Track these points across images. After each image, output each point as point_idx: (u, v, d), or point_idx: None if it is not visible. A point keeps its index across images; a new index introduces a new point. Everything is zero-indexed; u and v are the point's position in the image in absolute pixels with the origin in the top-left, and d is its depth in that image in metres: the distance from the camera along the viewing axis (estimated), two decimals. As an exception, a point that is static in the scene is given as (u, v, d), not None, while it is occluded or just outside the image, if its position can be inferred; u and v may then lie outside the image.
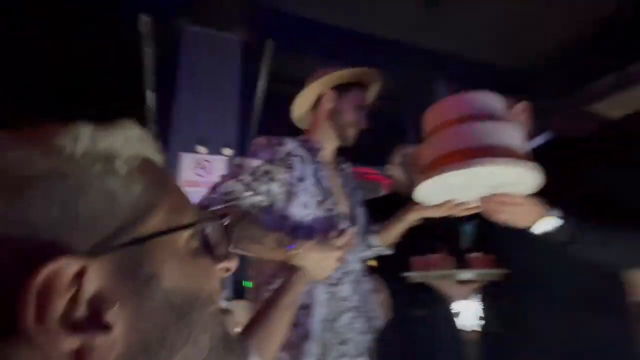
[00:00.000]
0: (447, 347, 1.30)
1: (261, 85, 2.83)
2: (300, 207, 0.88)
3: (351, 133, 1.01)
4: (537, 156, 0.90)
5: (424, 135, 0.81)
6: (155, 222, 0.24)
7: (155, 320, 0.23)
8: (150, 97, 2.40)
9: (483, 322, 1.06)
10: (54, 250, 0.18)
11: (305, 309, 0.82)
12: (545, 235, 0.76)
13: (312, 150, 0.97)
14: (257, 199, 0.86)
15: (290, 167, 0.90)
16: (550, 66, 3.90)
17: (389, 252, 1.12)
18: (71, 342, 0.18)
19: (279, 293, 0.68)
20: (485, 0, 3.04)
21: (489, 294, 1.02)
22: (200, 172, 2.62)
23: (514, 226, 0.78)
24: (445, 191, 0.79)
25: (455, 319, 1.41)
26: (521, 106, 0.99)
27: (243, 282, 2.81)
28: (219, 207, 0.83)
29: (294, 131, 1.10)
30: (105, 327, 0.20)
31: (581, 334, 0.80)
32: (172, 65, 2.77)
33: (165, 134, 2.63)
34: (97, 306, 0.20)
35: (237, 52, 2.93)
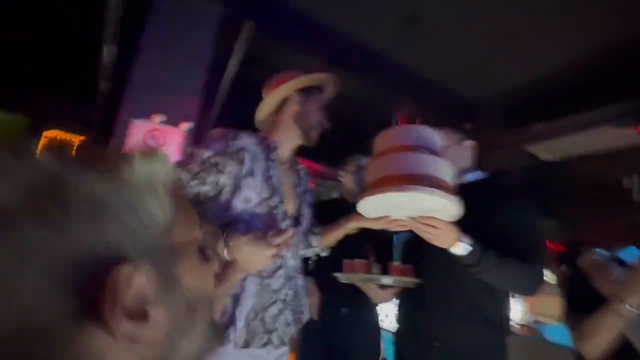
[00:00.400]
0: (364, 344, 1.42)
1: (233, 65, 2.74)
2: (243, 201, 0.91)
3: (315, 133, 1.07)
4: (465, 189, 1.06)
5: (373, 155, 0.91)
6: (178, 233, 0.31)
7: (177, 313, 0.29)
8: (107, 52, 2.21)
9: (397, 324, 1.19)
10: (119, 257, 0.25)
11: (235, 297, 0.86)
12: (457, 257, 0.91)
13: (268, 148, 1.00)
14: (204, 188, 0.88)
15: (240, 161, 0.92)
16: (501, 102, 4.33)
17: (326, 253, 1.20)
18: (129, 329, 0.24)
19: None
20: (456, 32, 3.27)
21: (403, 299, 1.16)
22: (151, 142, 2.49)
23: (437, 245, 0.91)
24: (383, 207, 0.88)
25: (377, 319, 1.55)
26: (471, 143, 1.14)
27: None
28: None
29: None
30: (148, 318, 0.26)
31: (467, 341, 0.97)
32: (137, 24, 2.58)
33: (119, 96, 2.45)
34: (142, 301, 0.25)
35: (213, 25, 2.81)
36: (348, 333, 1.38)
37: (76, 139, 4.46)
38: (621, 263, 1.13)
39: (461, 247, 0.88)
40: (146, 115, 2.47)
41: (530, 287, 0.93)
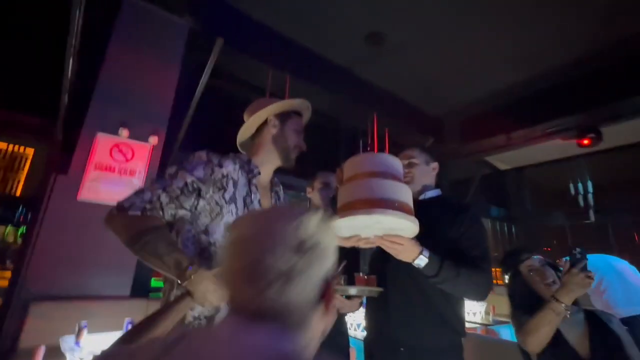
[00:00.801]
0: (334, 354, 1.47)
1: (204, 79, 2.75)
2: (224, 227, 0.92)
3: (294, 155, 1.11)
4: (425, 204, 1.17)
5: (343, 180, 0.99)
6: None
7: None
8: (71, 64, 2.14)
9: (365, 332, 1.26)
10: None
11: (209, 319, 0.88)
12: (418, 269, 1.01)
13: (251, 173, 1.03)
14: (181, 212, 0.89)
15: (223, 189, 0.94)
16: (459, 117, 4.64)
17: None
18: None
19: (162, 312, 0.73)
20: (418, 51, 3.49)
21: (370, 308, 1.24)
22: (117, 157, 2.42)
23: (401, 259, 1.02)
24: (353, 228, 0.96)
25: (346, 330, 1.60)
26: (436, 165, 1.28)
27: (152, 280, 2.66)
28: (137, 212, 0.83)
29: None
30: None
31: (430, 344, 1.08)
32: (103, 36, 2.52)
33: (84, 109, 2.36)
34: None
35: (182, 38, 2.81)
36: (322, 345, 1.42)
37: (30, 152, 4.21)
38: (554, 267, 1.29)
39: (422, 260, 0.99)
40: (111, 129, 2.40)
41: (483, 293, 1.06)
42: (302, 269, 0.44)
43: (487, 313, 3.36)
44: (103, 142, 2.38)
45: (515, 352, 1.35)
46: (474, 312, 3.30)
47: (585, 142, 3.60)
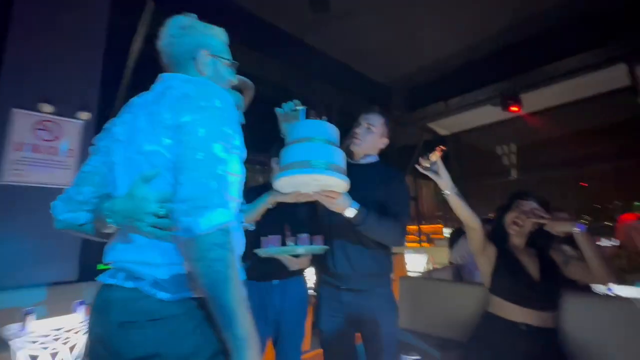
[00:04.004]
0: (293, 310, 1.62)
1: (137, 46, 2.53)
2: None
3: None
4: (364, 168, 1.33)
5: (285, 144, 1.08)
6: None
7: None
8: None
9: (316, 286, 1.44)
10: None
11: None
12: (350, 219, 1.20)
13: None
14: None
15: None
16: (404, 85, 4.86)
17: (252, 228, 1.34)
18: None
19: None
20: (365, 19, 3.53)
21: (317, 265, 1.41)
22: (42, 136, 2.20)
23: (334, 211, 1.20)
24: (293, 185, 1.08)
25: (304, 287, 1.75)
26: (386, 140, 1.46)
27: (98, 265, 2.55)
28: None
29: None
30: None
31: (366, 286, 1.32)
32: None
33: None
34: None
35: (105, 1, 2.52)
36: (280, 302, 1.55)
37: None
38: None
39: (351, 211, 1.18)
40: (30, 104, 2.15)
41: (398, 240, 1.29)
42: None
43: (427, 263, 3.81)
44: (21, 119, 2.13)
45: (442, 285, 1.61)
46: (416, 262, 3.72)
47: (514, 108, 4.03)
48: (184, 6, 2.82)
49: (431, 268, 3.76)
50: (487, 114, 4.69)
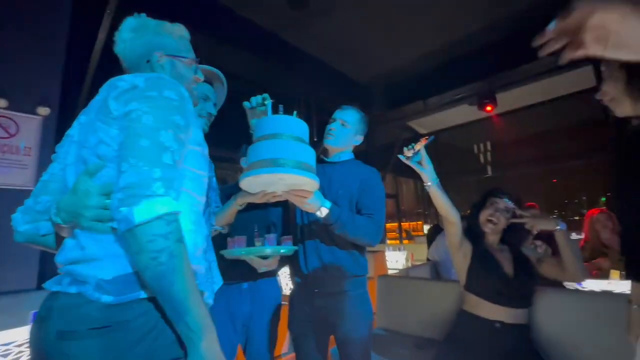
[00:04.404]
0: (265, 313, 1.56)
1: (101, 38, 2.38)
2: None
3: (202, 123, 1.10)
4: (339, 165, 1.31)
5: (253, 140, 1.02)
6: None
7: None
8: None
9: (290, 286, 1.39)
10: None
11: None
12: (322, 219, 1.16)
13: None
14: None
15: None
16: (383, 83, 4.88)
17: (225, 230, 1.28)
18: None
19: None
20: (344, 17, 3.50)
21: (289, 266, 1.37)
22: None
23: (305, 210, 1.17)
24: (260, 184, 1.02)
25: (276, 289, 1.70)
26: (361, 137, 1.43)
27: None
28: None
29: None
30: None
31: (339, 287, 1.28)
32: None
33: None
34: None
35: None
36: (250, 306, 1.50)
37: None
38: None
39: (323, 210, 1.14)
40: (-19, 98, 1.98)
41: (372, 240, 1.26)
42: None
43: (407, 260, 3.84)
44: (-28, 114, 1.96)
45: (420, 283, 1.61)
46: (396, 260, 3.74)
47: (488, 108, 4.12)
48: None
49: (411, 265, 3.80)
50: (464, 113, 4.79)
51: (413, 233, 6.58)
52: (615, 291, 1.71)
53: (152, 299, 0.63)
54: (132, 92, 0.68)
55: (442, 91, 4.38)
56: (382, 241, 4.95)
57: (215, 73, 1.24)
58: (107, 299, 0.61)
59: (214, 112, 1.30)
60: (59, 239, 0.76)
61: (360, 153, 1.49)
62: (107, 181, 0.67)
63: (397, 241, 5.92)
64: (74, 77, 2.39)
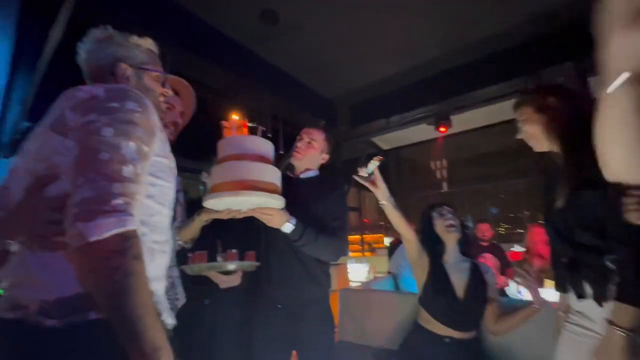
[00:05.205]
0: (228, 331, 1.53)
1: (55, 37, 2.23)
2: None
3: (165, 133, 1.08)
4: (303, 182, 1.32)
5: (217, 160, 1.03)
6: None
7: None
8: None
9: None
10: None
11: None
12: (287, 235, 1.20)
13: None
14: None
15: None
16: (349, 101, 5.06)
17: (189, 245, 1.25)
18: None
19: None
20: (313, 34, 3.61)
21: (253, 281, 1.37)
22: None
23: (271, 226, 1.20)
24: (226, 203, 1.02)
25: (240, 304, 1.67)
26: (326, 156, 1.50)
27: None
28: None
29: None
30: None
31: (302, 299, 1.33)
32: None
33: None
34: None
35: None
36: (212, 322, 1.46)
37: None
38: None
39: (288, 227, 1.19)
40: None
41: (336, 255, 1.32)
42: None
43: (368, 272, 3.94)
44: None
45: (380, 296, 1.66)
46: (358, 272, 3.82)
47: (442, 129, 4.43)
48: (123, 3, 2.58)
49: (372, 277, 3.90)
50: (423, 132, 5.09)
51: (375, 245, 6.76)
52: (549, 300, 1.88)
53: (102, 321, 0.59)
54: (91, 103, 0.66)
55: (404, 110, 4.64)
56: (345, 254, 5.04)
57: (182, 82, 1.24)
58: (50, 323, 0.57)
59: (180, 121, 1.28)
60: (2, 257, 0.71)
61: (326, 167, 1.54)
62: (58, 195, 0.63)
63: (360, 254, 6.04)
64: (25, 75, 2.21)
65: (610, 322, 0.83)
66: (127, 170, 0.62)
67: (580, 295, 0.98)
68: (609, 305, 0.91)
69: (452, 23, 3.55)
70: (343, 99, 5.01)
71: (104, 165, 0.60)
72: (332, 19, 3.42)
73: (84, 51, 0.84)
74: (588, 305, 0.98)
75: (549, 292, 1.98)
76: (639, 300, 0.81)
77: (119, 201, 0.58)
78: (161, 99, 0.89)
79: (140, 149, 0.65)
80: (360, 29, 3.57)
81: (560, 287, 1.11)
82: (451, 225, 1.55)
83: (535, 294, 1.35)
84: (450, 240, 1.56)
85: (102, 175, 0.59)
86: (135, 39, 0.88)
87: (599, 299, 0.93)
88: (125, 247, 0.57)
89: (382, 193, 1.36)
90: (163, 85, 0.90)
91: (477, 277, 1.51)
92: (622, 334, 0.80)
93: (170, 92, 0.92)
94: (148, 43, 0.90)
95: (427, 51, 4.02)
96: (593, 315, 0.97)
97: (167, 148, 0.79)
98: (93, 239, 0.55)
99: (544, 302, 1.34)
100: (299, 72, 4.27)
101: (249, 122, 1.09)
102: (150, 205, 0.71)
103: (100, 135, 0.62)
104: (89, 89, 0.70)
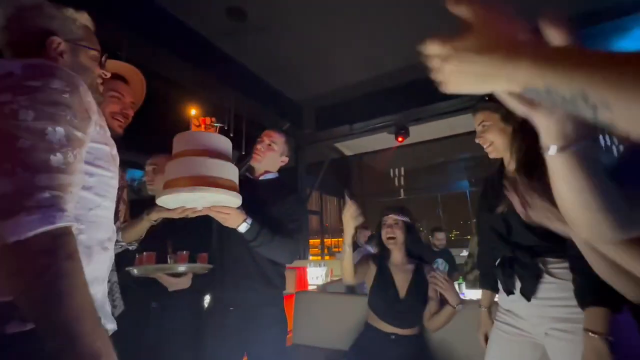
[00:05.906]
0: (176, 334, 1.47)
1: None
2: None
3: (115, 124, 1.00)
4: (262, 184, 1.32)
5: (172, 155, 0.98)
6: None
7: None
8: None
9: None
10: None
11: None
12: (242, 235, 1.18)
13: None
14: None
15: None
16: (314, 105, 5.12)
17: (134, 247, 1.18)
18: None
19: None
20: (280, 35, 3.61)
21: (205, 282, 1.33)
22: None
23: (227, 226, 1.17)
24: (179, 200, 0.98)
25: (189, 307, 1.61)
26: (286, 159, 1.49)
27: None
28: None
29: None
30: None
31: (255, 301, 1.30)
32: None
33: None
34: None
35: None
36: (159, 326, 1.39)
37: None
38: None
39: (244, 226, 1.17)
40: None
41: (290, 257, 1.33)
42: None
43: (326, 275, 3.98)
44: None
45: (334, 298, 1.70)
46: (316, 276, 3.85)
47: (400, 139, 4.65)
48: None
49: (330, 280, 3.95)
50: (384, 140, 5.30)
51: (335, 249, 6.86)
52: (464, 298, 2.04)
53: (31, 332, 0.53)
54: (5, 81, 0.56)
55: (367, 118, 4.79)
56: (305, 257, 5.04)
57: (132, 69, 1.14)
58: None
59: (130, 112, 1.20)
60: None
61: (289, 170, 1.56)
62: None
63: (320, 257, 6.08)
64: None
65: (589, 331, 0.82)
66: (56, 159, 0.55)
67: (510, 292, 1.09)
68: (536, 303, 1.01)
69: (420, 36, 3.71)
70: (309, 102, 5.05)
71: (25, 154, 0.52)
72: (301, 22, 3.44)
73: (2, 17, 0.71)
74: (517, 304, 1.08)
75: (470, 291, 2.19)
76: (608, 300, 0.81)
77: (45, 195, 0.52)
78: (99, 80, 0.80)
79: (70, 134, 0.58)
80: (328, 34, 3.63)
81: (488, 285, 1.25)
82: (390, 238, 1.63)
83: (449, 295, 1.46)
84: (392, 247, 1.65)
85: (23, 166, 0.52)
86: (70, 12, 0.78)
87: (527, 293, 1.03)
88: (55, 246, 0.51)
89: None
90: (102, 66, 0.81)
91: (419, 278, 1.61)
92: (603, 340, 0.79)
93: (108, 75, 0.84)
94: (84, 18, 0.80)
95: (393, 62, 4.18)
96: (521, 312, 1.07)
97: (107, 134, 0.71)
98: (13, 239, 0.48)
99: (459, 301, 1.45)
100: (265, 71, 4.22)
101: (210, 118, 1.05)
102: (88, 198, 0.65)
103: (17, 119, 0.54)
104: (3, 63, 0.61)
